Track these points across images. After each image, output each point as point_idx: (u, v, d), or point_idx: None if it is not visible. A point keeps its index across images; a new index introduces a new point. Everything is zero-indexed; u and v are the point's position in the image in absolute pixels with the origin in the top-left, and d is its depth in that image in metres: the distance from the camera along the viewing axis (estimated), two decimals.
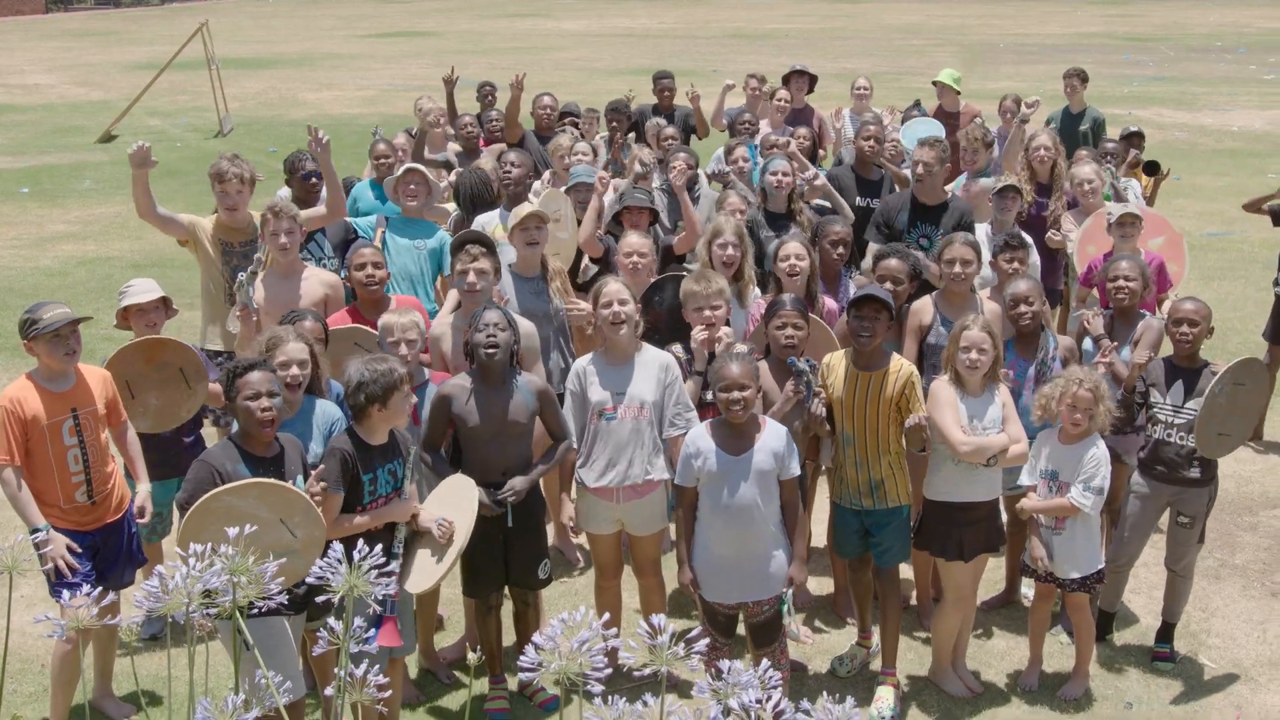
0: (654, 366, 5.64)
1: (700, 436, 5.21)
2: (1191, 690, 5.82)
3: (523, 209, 6.74)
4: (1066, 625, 6.24)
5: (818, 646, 6.19)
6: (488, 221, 7.40)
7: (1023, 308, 6.03)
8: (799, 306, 5.73)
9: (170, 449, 6.04)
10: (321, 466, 4.84)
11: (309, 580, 2.47)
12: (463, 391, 5.40)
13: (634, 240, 6.71)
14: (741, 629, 5.46)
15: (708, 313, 5.87)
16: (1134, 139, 9.93)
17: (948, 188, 8.87)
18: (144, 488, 5.52)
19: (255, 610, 2.55)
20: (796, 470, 5.20)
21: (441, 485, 5.29)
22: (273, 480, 4.59)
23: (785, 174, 7.59)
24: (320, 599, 2.48)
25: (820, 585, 6.64)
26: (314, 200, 7.56)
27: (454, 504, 5.14)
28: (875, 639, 5.95)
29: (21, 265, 13.30)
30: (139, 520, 5.48)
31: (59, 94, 27.07)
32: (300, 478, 4.82)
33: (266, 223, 6.51)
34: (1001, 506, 5.79)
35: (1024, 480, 5.67)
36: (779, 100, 10.60)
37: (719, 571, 5.19)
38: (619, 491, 5.64)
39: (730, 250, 6.45)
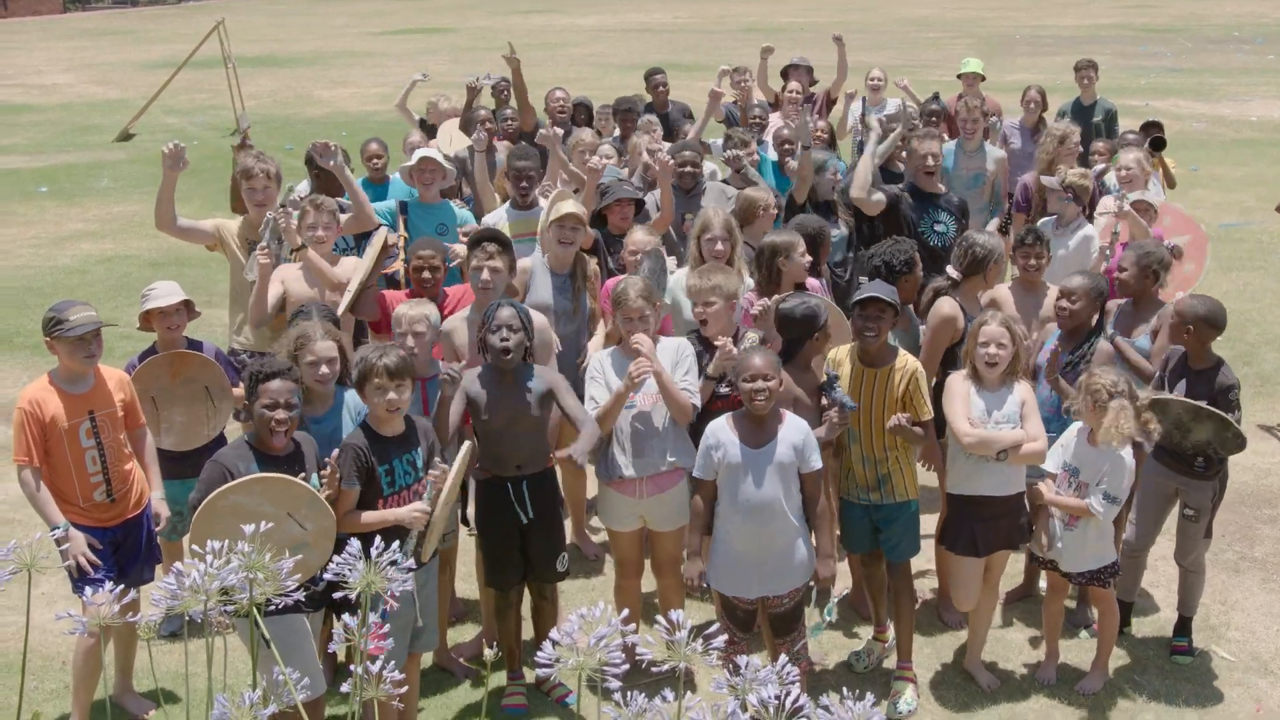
0: (669, 351, 5.66)
1: (721, 429, 5.20)
2: (1210, 684, 5.80)
3: (564, 206, 6.70)
4: (1079, 620, 6.23)
5: (834, 642, 6.19)
6: (496, 220, 7.42)
7: (1064, 303, 6.02)
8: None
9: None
10: (335, 456, 4.87)
11: (326, 577, 2.48)
12: (476, 384, 5.44)
13: (639, 237, 6.74)
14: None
15: (699, 309, 5.86)
16: (1151, 128, 9.87)
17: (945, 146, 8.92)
18: (157, 495, 5.55)
19: (273, 608, 2.56)
20: (818, 464, 5.19)
21: None
22: (274, 474, 4.61)
23: (837, 172, 7.65)
24: (337, 595, 2.49)
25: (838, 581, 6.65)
26: (334, 192, 7.59)
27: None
28: (891, 634, 5.95)
29: (40, 264, 13.37)
30: (155, 528, 5.53)
31: (77, 93, 27.20)
32: (315, 476, 4.84)
33: (305, 214, 6.56)
34: (1026, 501, 5.75)
35: (1047, 465, 5.62)
36: (791, 93, 10.56)
37: (738, 565, 5.18)
38: (641, 485, 5.65)
39: (719, 245, 6.44)
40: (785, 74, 11.02)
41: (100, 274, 12.91)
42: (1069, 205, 7.51)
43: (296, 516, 4.54)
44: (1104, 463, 5.41)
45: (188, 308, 5.99)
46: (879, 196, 7.59)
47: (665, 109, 10.88)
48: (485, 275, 6.01)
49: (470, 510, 5.67)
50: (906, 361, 5.58)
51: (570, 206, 6.70)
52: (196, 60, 22.67)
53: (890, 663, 5.90)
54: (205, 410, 5.95)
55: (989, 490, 5.54)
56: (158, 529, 5.54)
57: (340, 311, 6.20)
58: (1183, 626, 6.05)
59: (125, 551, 5.39)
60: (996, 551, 5.67)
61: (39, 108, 25.09)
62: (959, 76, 11.37)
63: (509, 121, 9.90)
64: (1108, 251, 7.08)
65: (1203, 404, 5.52)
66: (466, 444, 5.17)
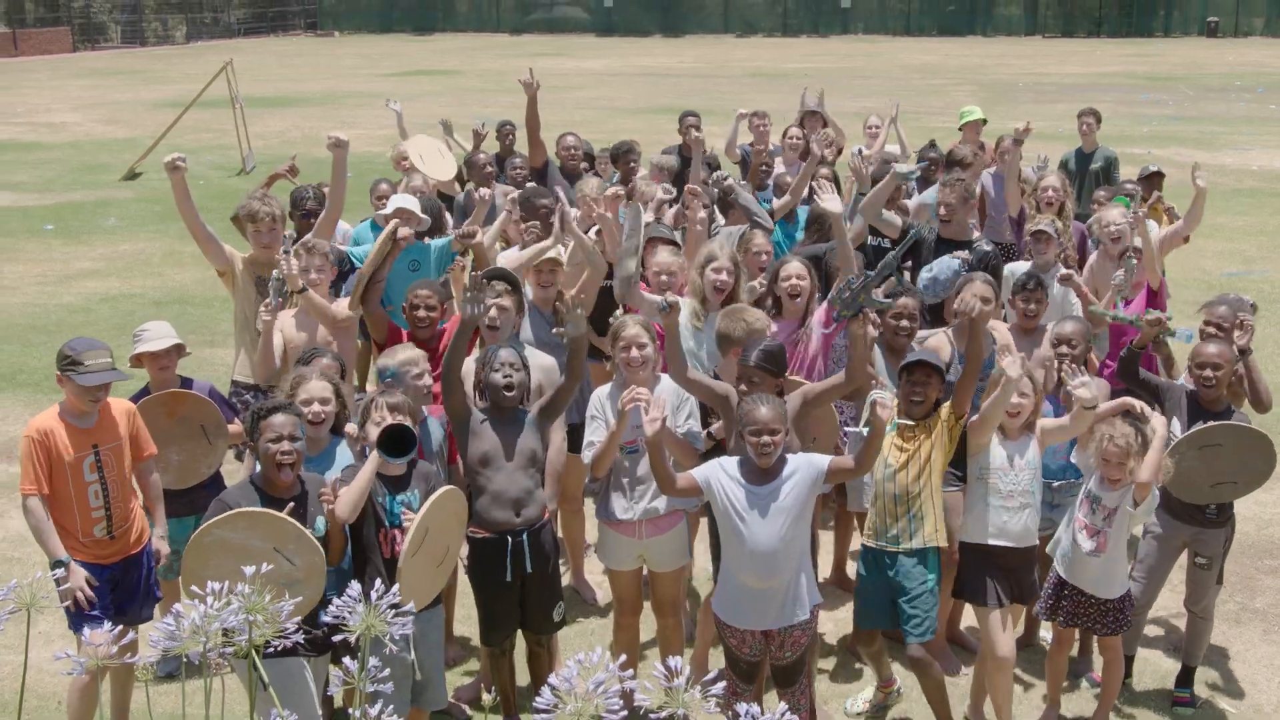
0: (669, 393, 5.65)
1: (728, 467, 5.13)
2: None
3: (542, 248, 6.86)
4: (1080, 670, 6.19)
5: (832, 690, 6.15)
6: (507, 259, 7.47)
7: (1064, 349, 6.03)
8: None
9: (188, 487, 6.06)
10: (334, 481, 4.91)
11: (326, 620, 2.48)
12: (476, 420, 5.45)
13: (664, 258, 6.86)
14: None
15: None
16: (1154, 179, 9.91)
17: (921, 198, 8.94)
18: (158, 532, 5.55)
19: (270, 650, 2.56)
20: (825, 461, 5.08)
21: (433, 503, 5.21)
22: (258, 509, 4.62)
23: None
24: (337, 638, 2.49)
25: (837, 624, 6.62)
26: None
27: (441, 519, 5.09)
28: (898, 684, 5.92)
29: (45, 302, 13.41)
30: (155, 565, 5.52)
31: (85, 131, 27.36)
32: (320, 519, 4.84)
33: (299, 257, 6.61)
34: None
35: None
36: (790, 138, 10.59)
37: (745, 599, 5.13)
38: (641, 526, 5.65)
39: (724, 276, 6.47)
40: (801, 122, 11.09)
41: (105, 312, 12.95)
42: (1049, 248, 7.59)
43: (285, 552, 4.52)
44: (1124, 496, 5.41)
45: (178, 349, 6.03)
46: (890, 217, 7.71)
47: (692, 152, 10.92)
48: (493, 313, 6.03)
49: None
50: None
51: (549, 253, 6.82)
52: (204, 100, 22.84)
53: (894, 714, 5.85)
54: (201, 448, 5.96)
55: (1005, 540, 5.52)
56: (158, 566, 5.54)
57: (352, 303, 6.45)
58: (1185, 677, 6.02)
59: (124, 589, 5.38)
60: (1010, 605, 5.61)
61: (47, 146, 25.24)
62: (960, 129, 11.39)
63: (518, 170, 9.82)
64: (1132, 260, 7.07)
65: (1253, 426, 5.62)
66: (447, 488, 5.14)
